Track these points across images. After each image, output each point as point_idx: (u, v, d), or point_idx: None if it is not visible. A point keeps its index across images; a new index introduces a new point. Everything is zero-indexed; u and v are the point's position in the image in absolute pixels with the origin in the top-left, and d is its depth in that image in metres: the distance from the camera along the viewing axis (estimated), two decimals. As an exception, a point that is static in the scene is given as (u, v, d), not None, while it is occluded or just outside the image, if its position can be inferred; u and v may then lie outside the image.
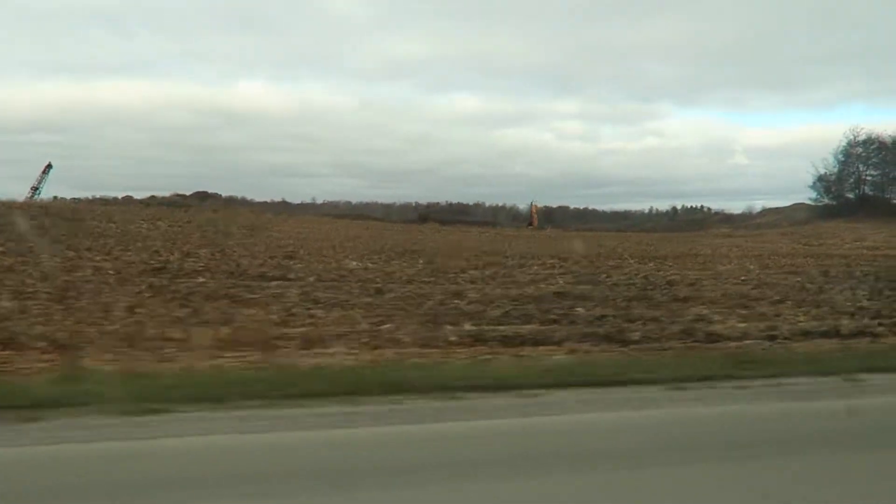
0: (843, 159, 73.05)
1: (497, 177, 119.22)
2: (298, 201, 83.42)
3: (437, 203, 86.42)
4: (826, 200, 74.08)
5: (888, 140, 71.24)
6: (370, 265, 21.07)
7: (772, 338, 10.92)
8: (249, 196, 79.54)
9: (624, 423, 5.62)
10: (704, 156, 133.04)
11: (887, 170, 71.77)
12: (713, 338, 10.80)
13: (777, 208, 79.16)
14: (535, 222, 59.69)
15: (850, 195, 73.13)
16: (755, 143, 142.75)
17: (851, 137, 72.06)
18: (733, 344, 10.35)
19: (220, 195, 74.09)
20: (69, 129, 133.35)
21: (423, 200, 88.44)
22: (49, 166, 58.93)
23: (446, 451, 4.76)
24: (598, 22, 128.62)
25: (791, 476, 4.29)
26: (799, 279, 19.88)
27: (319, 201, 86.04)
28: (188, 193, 72.79)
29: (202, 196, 72.28)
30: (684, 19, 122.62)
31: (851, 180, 73.71)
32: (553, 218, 74.63)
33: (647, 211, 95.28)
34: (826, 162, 74.21)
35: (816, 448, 4.89)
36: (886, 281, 19.08)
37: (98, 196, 64.15)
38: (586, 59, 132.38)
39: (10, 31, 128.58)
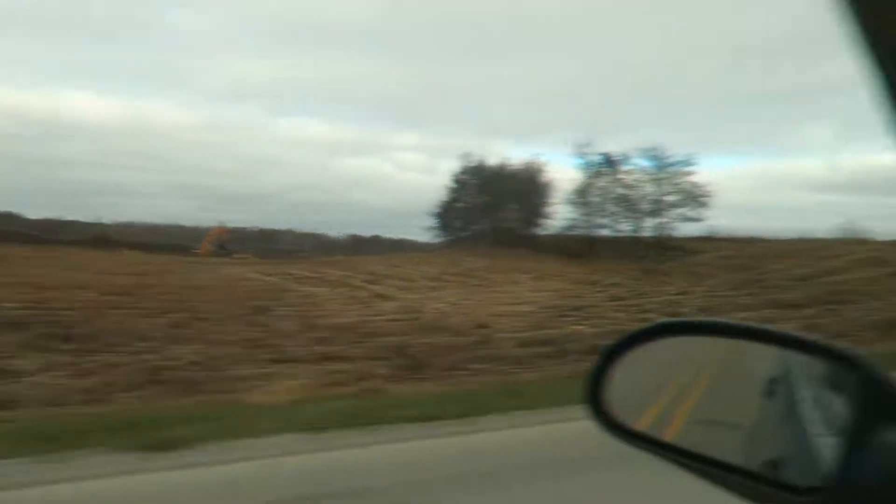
0: (456, 187, 65.48)
1: (340, 204, 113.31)
2: (90, 220, 73.87)
3: (245, 228, 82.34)
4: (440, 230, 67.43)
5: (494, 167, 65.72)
6: None
7: None
8: (23, 212, 67.40)
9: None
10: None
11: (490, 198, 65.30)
12: None
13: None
14: (206, 248, 58.99)
15: (459, 225, 66.28)
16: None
17: (465, 164, 64.53)
18: None
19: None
20: None
21: (252, 225, 79.84)
22: None
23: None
24: (443, 59, 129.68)
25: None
26: None
27: (108, 222, 77.73)
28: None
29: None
30: (522, 63, 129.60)
31: (459, 208, 66.87)
32: (365, 248, 73.68)
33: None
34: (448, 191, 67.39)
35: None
36: None
37: None
38: (430, 94, 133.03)
39: None
